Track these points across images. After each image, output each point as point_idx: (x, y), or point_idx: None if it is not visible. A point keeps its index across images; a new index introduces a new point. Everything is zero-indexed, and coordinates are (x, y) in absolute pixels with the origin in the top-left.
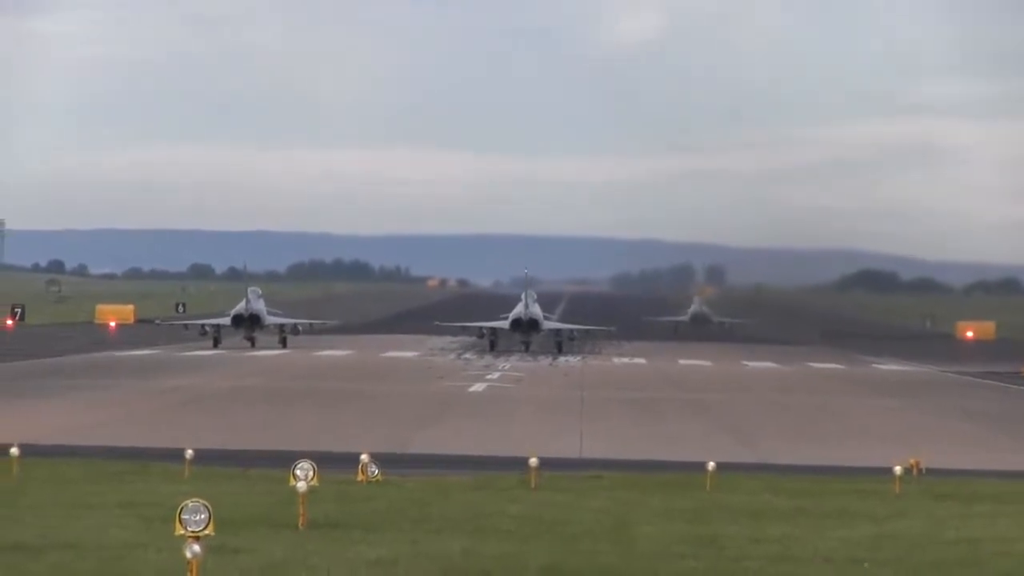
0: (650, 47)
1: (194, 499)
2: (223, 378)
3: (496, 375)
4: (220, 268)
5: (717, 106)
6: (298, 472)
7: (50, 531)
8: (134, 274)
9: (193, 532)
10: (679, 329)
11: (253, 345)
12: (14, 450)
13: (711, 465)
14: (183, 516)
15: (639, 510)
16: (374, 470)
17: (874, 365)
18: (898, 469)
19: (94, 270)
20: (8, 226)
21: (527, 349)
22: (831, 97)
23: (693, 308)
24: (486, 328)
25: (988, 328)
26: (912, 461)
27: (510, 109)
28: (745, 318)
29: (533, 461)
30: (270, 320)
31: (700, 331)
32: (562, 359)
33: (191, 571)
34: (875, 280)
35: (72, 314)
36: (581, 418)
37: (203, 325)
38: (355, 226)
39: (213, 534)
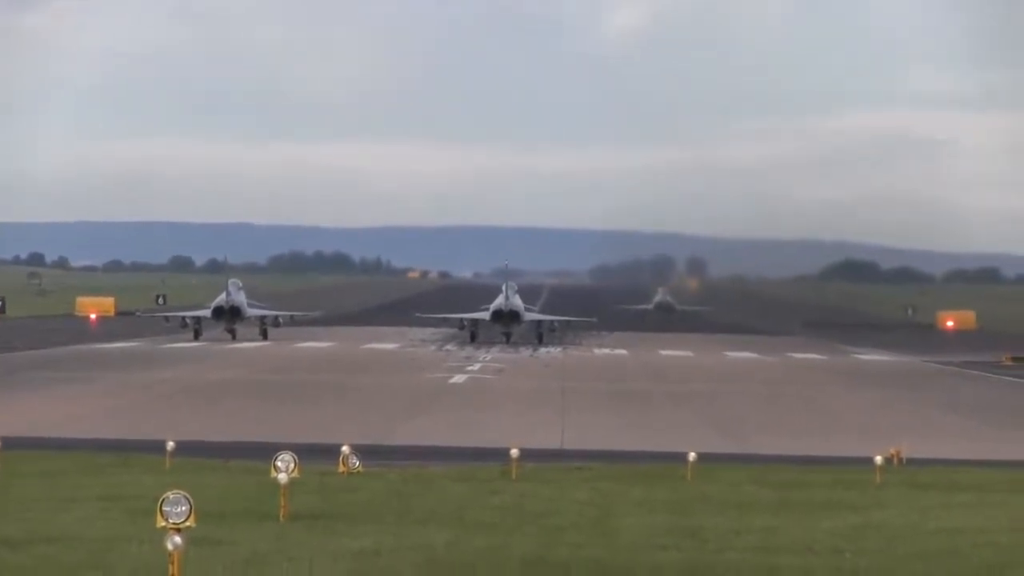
0: (639, 40)
1: (175, 491)
2: (204, 370)
3: (477, 366)
4: (200, 260)
5: (702, 99)
6: (279, 464)
7: (34, 524)
8: (114, 266)
9: (175, 524)
10: (645, 317)
11: (234, 337)
12: None
13: (692, 456)
14: (164, 508)
15: (621, 501)
16: (355, 462)
17: (856, 355)
18: (879, 459)
19: (74, 262)
20: None
21: (508, 340)
22: (814, 89)
23: (657, 298)
24: (467, 319)
25: (968, 317)
26: (892, 451)
27: (492, 101)
28: (707, 307)
29: (514, 452)
30: (251, 312)
31: (664, 318)
32: (543, 350)
33: (173, 563)
34: (856, 270)
35: (53, 307)
36: (562, 409)
37: (184, 317)
38: (336, 218)
39: (195, 526)
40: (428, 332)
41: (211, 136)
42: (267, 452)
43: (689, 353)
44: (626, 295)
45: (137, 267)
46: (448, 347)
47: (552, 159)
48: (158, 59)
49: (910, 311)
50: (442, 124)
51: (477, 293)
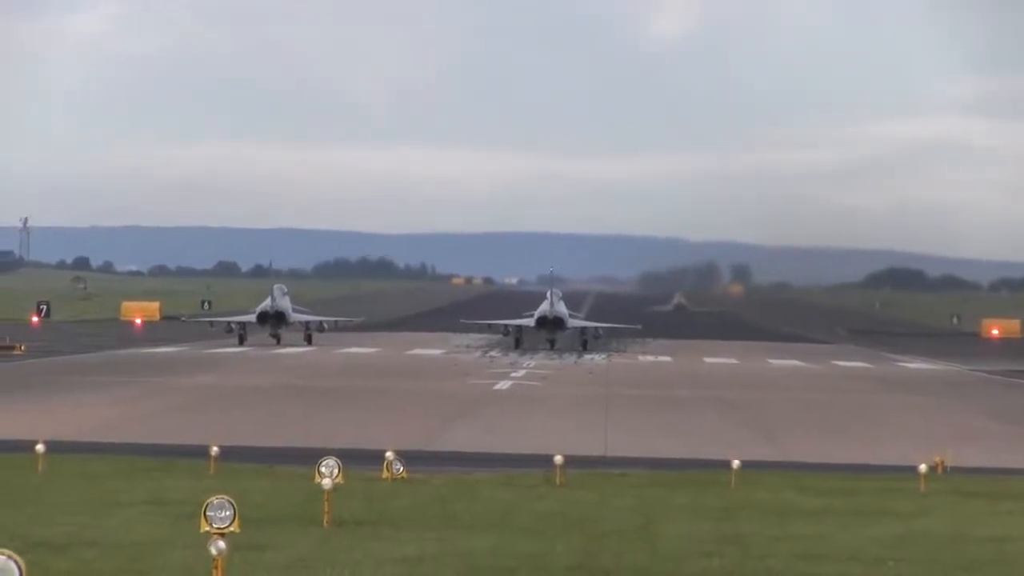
0: (679, 47)
1: (219, 496)
2: (248, 375)
3: (521, 373)
4: (246, 265)
5: (747, 106)
6: (323, 469)
7: (76, 528)
8: (160, 271)
9: (218, 529)
10: (662, 316)
11: (279, 343)
12: (40, 447)
13: (736, 463)
14: (208, 513)
15: (665, 508)
16: (399, 467)
17: (900, 363)
18: (923, 467)
19: (120, 267)
20: (33, 223)
21: (552, 347)
22: (857, 96)
23: (675, 301)
24: (511, 326)
25: (1014, 326)
26: (937, 459)
27: (537, 107)
28: (718, 309)
29: (558, 459)
30: (295, 318)
31: (681, 318)
32: (587, 357)
33: (216, 568)
34: (901, 278)
35: (98, 311)
36: (606, 416)
37: (229, 322)
38: (381, 224)
39: (238, 531)
40: (472, 338)
41: (256, 141)
42: (311, 457)
43: (733, 360)
44: (666, 301)
45: (182, 272)
46: (492, 353)
47: (597, 165)
48: (203, 64)
49: (955, 319)
50: (488, 130)
51: (521, 299)
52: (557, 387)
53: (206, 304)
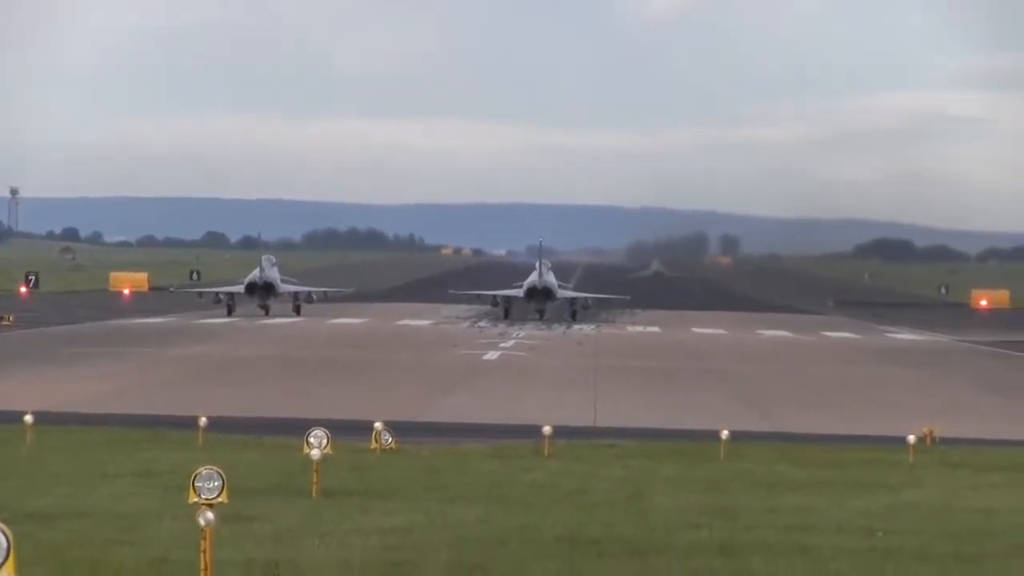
0: (672, 20)
1: (208, 466)
2: (237, 346)
3: (510, 343)
4: (235, 236)
5: (738, 78)
6: (312, 440)
7: (65, 499)
8: (148, 242)
9: (207, 499)
10: (642, 282)
11: (267, 313)
12: (28, 418)
13: (724, 434)
14: (197, 483)
15: (654, 479)
16: (388, 438)
17: (889, 334)
18: (912, 438)
19: (108, 238)
20: (23, 194)
21: (541, 317)
22: (848, 69)
23: (653, 267)
24: (500, 296)
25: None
26: (926, 430)
27: (528, 79)
28: (703, 276)
29: (547, 429)
30: (284, 288)
31: (660, 283)
32: (576, 327)
33: (204, 539)
34: (890, 249)
35: (86, 282)
36: (595, 387)
37: (217, 293)
38: (370, 195)
39: (227, 502)
40: (461, 309)
41: (246, 113)
42: (300, 428)
43: (722, 331)
44: (644, 268)
45: (171, 243)
46: (481, 324)
47: (587, 137)
48: (194, 35)
49: (943, 290)
50: (477, 101)
51: (511, 270)
52: (546, 358)
53: (194, 275)
